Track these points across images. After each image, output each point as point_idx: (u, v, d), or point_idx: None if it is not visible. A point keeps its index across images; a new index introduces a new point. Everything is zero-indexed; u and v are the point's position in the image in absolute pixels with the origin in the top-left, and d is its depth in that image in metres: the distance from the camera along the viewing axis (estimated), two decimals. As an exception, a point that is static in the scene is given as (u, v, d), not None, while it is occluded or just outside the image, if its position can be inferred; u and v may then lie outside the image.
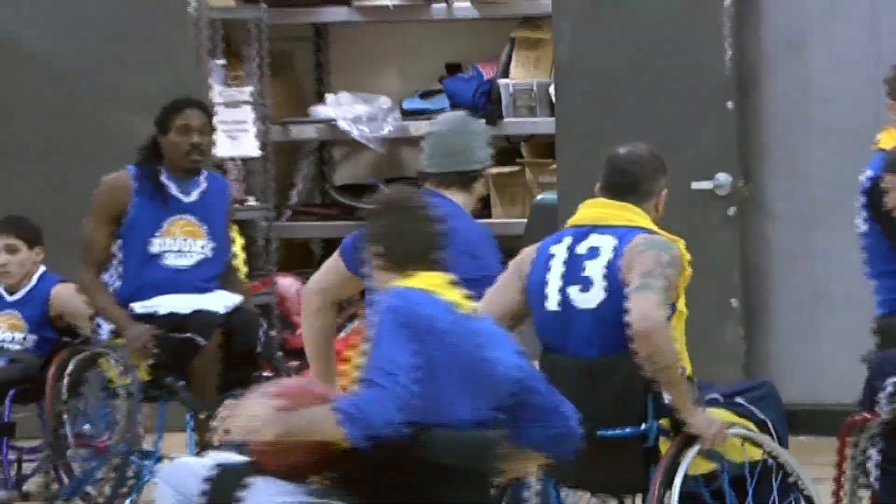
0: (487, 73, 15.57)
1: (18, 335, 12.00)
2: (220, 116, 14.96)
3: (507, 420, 8.16)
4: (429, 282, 7.99)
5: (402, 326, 7.91)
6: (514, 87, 15.36)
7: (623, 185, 9.07)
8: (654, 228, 8.91)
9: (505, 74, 15.49)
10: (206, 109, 11.96)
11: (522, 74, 15.51)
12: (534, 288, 8.83)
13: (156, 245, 11.52)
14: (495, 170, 14.81)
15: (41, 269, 12.07)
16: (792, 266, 12.54)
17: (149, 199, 11.56)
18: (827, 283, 13.54)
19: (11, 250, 11.87)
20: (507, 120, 15.40)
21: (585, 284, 8.79)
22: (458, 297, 8.15)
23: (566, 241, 8.88)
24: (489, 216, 15.53)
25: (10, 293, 11.94)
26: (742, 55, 13.84)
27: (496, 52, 15.63)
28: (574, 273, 8.83)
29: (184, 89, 13.66)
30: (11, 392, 11.68)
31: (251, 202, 15.37)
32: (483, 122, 14.91)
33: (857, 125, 13.38)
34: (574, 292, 8.75)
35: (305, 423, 7.68)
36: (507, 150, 15.78)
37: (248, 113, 15.54)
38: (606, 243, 8.81)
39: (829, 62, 13.86)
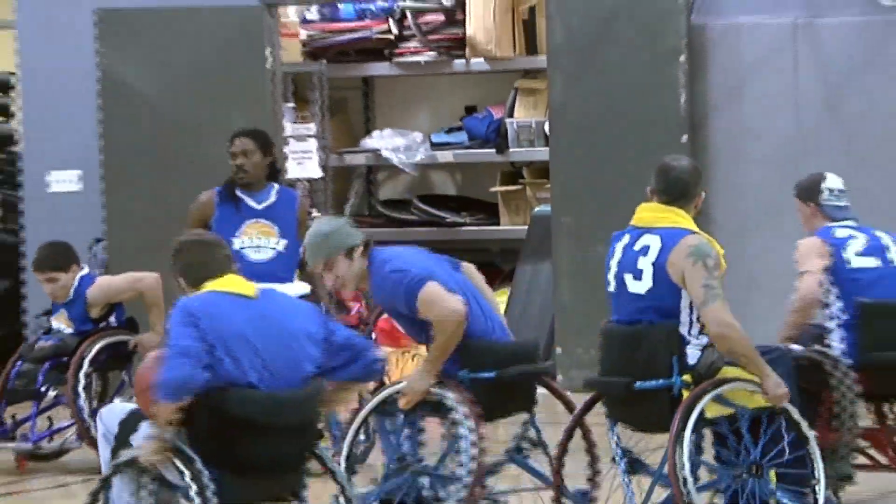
0: (497, 114, 16.45)
1: (68, 330, 12.42)
2: (290, 147, 16.26)
3: (325, 370, 9.06)
4: (220, 284, 8.96)
5: (184, 319, 8.83)
6: (517, 124, 16.21)
7: (674, 191, 9.52)
8: (694, 227, 9.41)
9: (510, 114, 16.37)
10: (252, 136, 12.33)
11: (524, 114, 16.32)
12: (605, 270, 9.56)
13: (236, 244, 11.95)
14: (503, 188, 16.82)
15: (79, 276, 12.41)
16: (729, 264, 12.72)
17: (227, 209, 12.21)
18: (757, 279, 14.38)
19: (52, 281, 12.32)
20: (512, 150, 16.38)
21: (638, 275, 9.45)
22: (246, 290, 9.14)
23: (626, 237, 9.51)
24: (498, 224, 16.68)
25: (60, 302, 12.47)
26: (693, 100, 14.84)
27: (504, 98, 16.51)
28: (630, 264, 9.42)
29: (263, 126, 13.97)
30: (46, 364, 12.36)
31: (315, 213, 15.18)
32: (493, 151, 16.63)
33: (781, 156, 14.61)
34: (629, 279, 9.39)
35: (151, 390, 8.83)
36: (512, 173, 16.76)
37: (311, 144, 16.38)
38: (654, 242, 9.37)
39: (761, 106, 14.86)
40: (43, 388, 12.38)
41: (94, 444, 11.24)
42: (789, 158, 14.22)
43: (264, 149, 12.19)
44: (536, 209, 16.12)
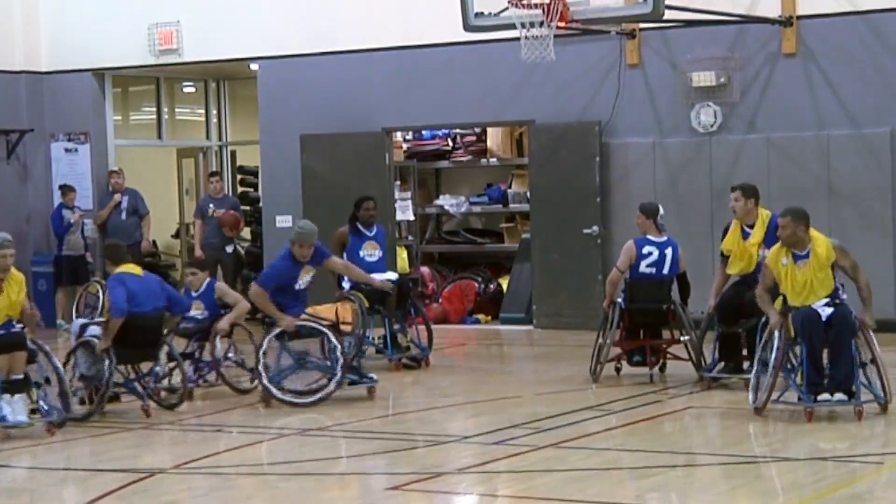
0: (503, 187, 17.47)
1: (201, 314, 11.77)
2: (398, 204, 17.06)
3: (166, 306, 10.69)
4: (126, 267, 10.56)
5: (116, 282, 10.40)
6: (513, 192, 17.27)
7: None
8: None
9: (510, 187, 17.34)
10: (374, 200, 13.22)
11: (517, 187, 17.24)
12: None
13: (362, 252, 12.93)
14: (506, 225, 17.32)
15: (207, 279, 11.88)
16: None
17: (355, 235, 13.05)
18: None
19: (194, 275, 11.82)
20: (511, 205, 17.29)
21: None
22: (138, 270, 10.57)
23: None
24: (503, 243, 17.53)
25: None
26: (601, 181, 15.61)
27: (506, 178, 17.58)
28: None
29: (384, 193, 16.08)
30: (195, 336, 11.81)
31: (409, 238, 17.59)
32: (501, 206, 17.12)
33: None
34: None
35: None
36: (511, 216, 17.54)
37: (409, 203, 17.43)
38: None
39: (637, 185, 15.46)
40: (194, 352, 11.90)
41: (226, 381, 11.54)
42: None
43: (376, 206, 13.33)
44: (523, 235, 16.88)
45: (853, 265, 9.89)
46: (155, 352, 10.68)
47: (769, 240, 10.77)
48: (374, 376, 11.33)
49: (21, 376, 9.92)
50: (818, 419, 9.59)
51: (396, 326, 12.83)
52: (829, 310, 9.66)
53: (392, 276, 13.25)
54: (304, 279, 11.27)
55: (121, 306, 10.29)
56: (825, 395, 9.64)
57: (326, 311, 11.20)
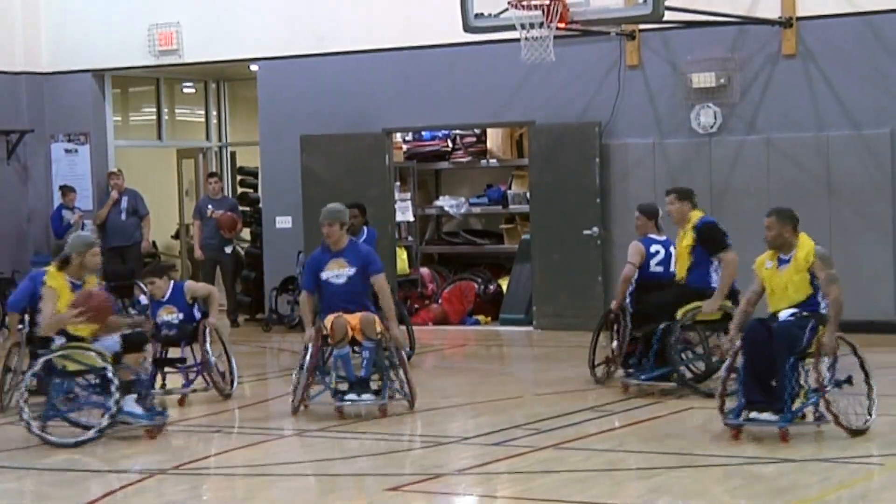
0: (503, 188, 17.46)
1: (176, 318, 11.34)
2: (397, 205, 16.96)
3: None
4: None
5: (27, 281, 10.31)
6: (513, 193, 17.23)
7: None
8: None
9: (510, 188, 17.32)
10: (361, 206, 12.86)
11: (517, 188, 17.25)
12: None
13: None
14: (506, 226, 17.33)
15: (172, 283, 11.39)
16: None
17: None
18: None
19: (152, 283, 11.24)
20: (511, 206, 17.25)
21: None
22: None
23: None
24: (503, 244, 17.46)
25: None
26: (601, 181, 15.60)
27: (507, 179, 17.55)
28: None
29: (382, 194, 16.20)
30: (183, 342, 11.37)
31: (409, 239, 17.53)
32: (500, 206, 17.04)
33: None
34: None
35: None
36: (511, 217, 17.52)
37: (409, 204, 17.40)
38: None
39: (636, 184, 15.46)
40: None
41: (216, 385, 11.06)
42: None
43: (363, 214, 12.99)
44: (523, 236, 16.86)
45: (828, 278, 9.04)
46: None
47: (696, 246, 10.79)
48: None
49: (138, 376, 9.94)
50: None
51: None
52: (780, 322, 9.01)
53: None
54: (333, 271, 10.45)
55: (10, 301, 10.44)
56: (754, 413, 8.90)
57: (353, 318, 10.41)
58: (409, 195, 17.47)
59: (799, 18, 14.97)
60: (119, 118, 19.51)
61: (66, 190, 17.66)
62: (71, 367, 9.64)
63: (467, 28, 13.85)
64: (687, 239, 11.00)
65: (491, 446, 9.15)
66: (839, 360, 9.05)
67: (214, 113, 20.07)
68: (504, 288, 17.23)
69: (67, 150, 18.43)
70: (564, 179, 15.76)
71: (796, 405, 8.93)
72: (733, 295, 10.74)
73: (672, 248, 11.38)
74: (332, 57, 17.00)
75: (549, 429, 9.59)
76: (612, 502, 7.63)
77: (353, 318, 10.34)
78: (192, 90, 20.32)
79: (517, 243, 17.22)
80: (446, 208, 17.87)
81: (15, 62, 18.30)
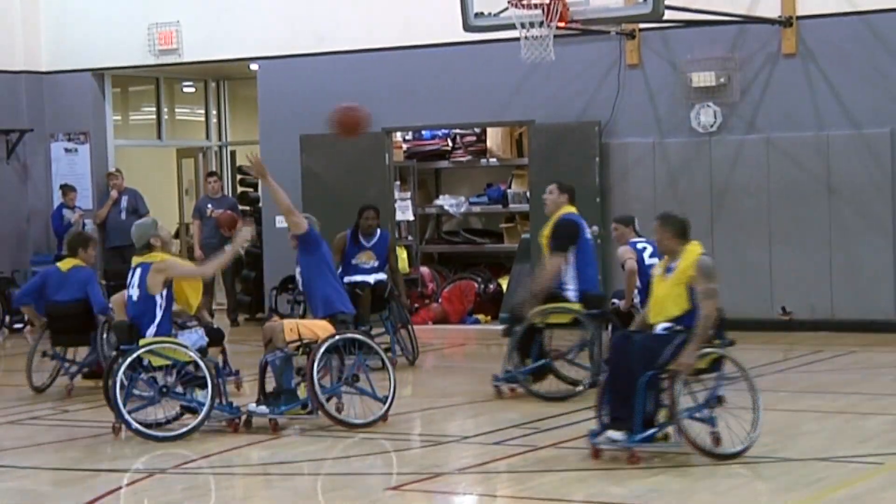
0: (503, 187, 17.52)
1: None
2: (397, 204, 17.07)
3: (84, 297, 11.15)
4: (63, 264, 11.33)
5: (35, 279, 11.45)
6: (513, 193, 17.33)
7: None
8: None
9: (510, 187, 17.40)
10: (376, 209, 13.15)
11: (516, 187, 17.32)
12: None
13: (355, 260, 12.91)
14: (506, 225, 17.32)
15: None
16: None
17: (353, 243, 13.05)
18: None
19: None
20: (511, 205, 17.32)
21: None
22: (65, 265, 11.30)
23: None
24: (503, 243, 17.51)
25: None
26: (601, 181, 15.61)
27: (507, 178, 17.60)
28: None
29: (383, 193, 16.14)
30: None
31: (409, 238, 17.63)
32: (500, 206, 16.94)
33: (644, 208, 14.44)
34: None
35: None
36: (511, 216, 17.55)
37: (408, 203, 17.47)
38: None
39: (636, 184, 15.56)
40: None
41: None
42: (648, 210, 13.64)
43: (378, 214, 13.29)
44: (523, 235, 16.84)
45: (706, 292, 8.22)
46: (86, 338, 11.24)
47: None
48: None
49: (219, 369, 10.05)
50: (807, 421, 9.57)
51: (364, 328, 12.03)
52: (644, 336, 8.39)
53: (370, 279, 12.95)
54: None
55: (17, 294, 11.47)
56: (611, 432, 8.21)
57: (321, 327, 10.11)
58: (408, 194, 17.52)
59: (799, 18, 15.03)
60: (119, 117, 19.60)
61: (67, 189, 17.71)
62: (157, 362, 9.67)
63: (467, 27, 13.88)
64: (548, 229, 11.03)
65: (490, 445, 9.13)
66: (730, 381, 8.46)
67: (214, 112, 20.10)
68: (504, 287, 17.23)
69: (67, 150, 18.52)
70: (564, 178, 14.39)
71: (657, 424, 8.28)
72: (558, 298, 10.72)
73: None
74: (332, 56, 17.01)
75: (549, 428, 9.55)
76: (611, 502, 7.60)
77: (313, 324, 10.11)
78: (192, 90, 20.37)
79: (517, 242, 17.19)
80: (446, 207, 17.95)
81: (15, 61, 18.40)
